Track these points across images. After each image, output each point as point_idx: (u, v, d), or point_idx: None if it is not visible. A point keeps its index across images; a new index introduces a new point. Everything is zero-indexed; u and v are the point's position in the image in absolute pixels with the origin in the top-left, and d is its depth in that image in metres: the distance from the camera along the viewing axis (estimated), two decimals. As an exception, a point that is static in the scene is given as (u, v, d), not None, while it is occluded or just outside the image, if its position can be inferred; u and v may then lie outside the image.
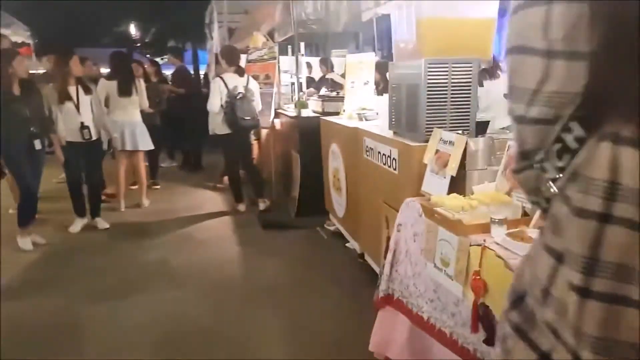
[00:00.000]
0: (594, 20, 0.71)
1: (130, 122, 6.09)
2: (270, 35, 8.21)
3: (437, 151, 2.63)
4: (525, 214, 2.13)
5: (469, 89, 2.80)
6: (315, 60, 9.28)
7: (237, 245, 4.98)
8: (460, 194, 2.37)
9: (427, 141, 2.81)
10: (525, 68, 0.80)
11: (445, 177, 2.49)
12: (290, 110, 6.40)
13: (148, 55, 18.35)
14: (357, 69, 5.05)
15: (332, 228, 5.09)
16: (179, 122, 8.43)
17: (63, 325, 3.41)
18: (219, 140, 5.94)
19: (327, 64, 8.42)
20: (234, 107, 5.57)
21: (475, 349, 2.04)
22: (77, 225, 5.44)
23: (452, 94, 2.81)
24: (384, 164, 3.31)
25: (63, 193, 5.63)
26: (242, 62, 6.68)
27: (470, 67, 2.79)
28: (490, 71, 3.53)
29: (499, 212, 2.10)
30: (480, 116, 2.91)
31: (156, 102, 7.27)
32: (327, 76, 7.50)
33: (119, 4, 15.79)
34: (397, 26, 3.25)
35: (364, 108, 4.70)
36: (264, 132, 7.40)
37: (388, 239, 3.24)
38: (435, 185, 2.57)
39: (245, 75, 5.82)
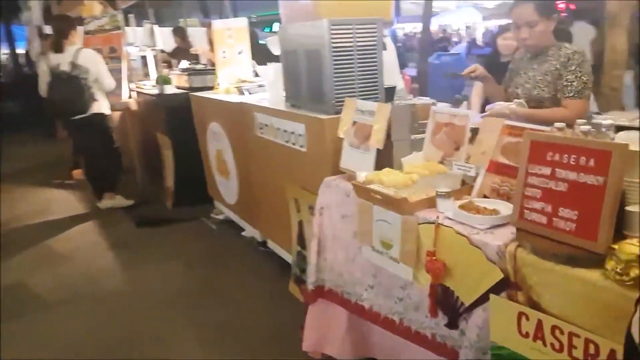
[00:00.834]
0: None
1: None
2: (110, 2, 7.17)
3: (354, 123, 2.43)
4: (463, 182, 2.05)
5: (375, 53, 2.64)
6: (164, 30, 8.42)
7: (109, 251, 4.31)
8: (388, 168, 2.22)
9: (338, 113, 2.60)
10: None
11: (369, 151, 2.31)
12: (149, 88, 5.69)
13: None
14: (225, 37, 4.60)
15: (220, 217, 4.69)
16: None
17: None
18: (66, 127, 5.05)
19: (181, 34, 7.68)
20: (54, 88, 4.71)
21: (434, 334, 1.93)
22: None
23: (358, 58, 2.61)
24: (287, 142, 3.03)
25: None
26: (80, 34, 5.70)
27: (375, 28, 2.62)
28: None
29: (439, 184, 1.98)
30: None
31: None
32: (192, 50, 6.79)
33: None
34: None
35: (243, 80, 4.31)
36: (117, 114, 6.51)
37: (300, 223, 3.01)
38: (357, 160, 2.38)
39: (71, 48, 4.83)
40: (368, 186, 2.07)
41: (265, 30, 13.07)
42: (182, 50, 7.29)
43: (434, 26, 16.59)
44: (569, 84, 2.38)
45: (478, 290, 1.66)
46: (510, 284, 1.56)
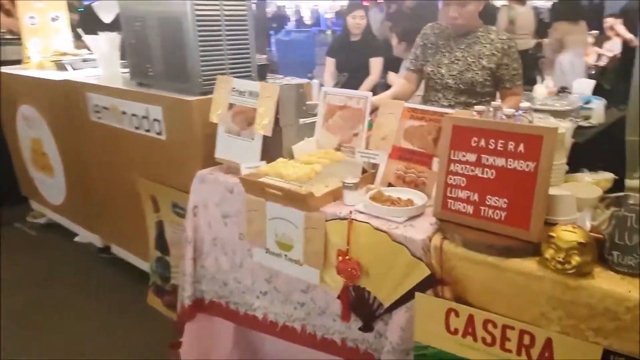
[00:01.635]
0: None
1: None
2: None
3: (231, 105, 2.13)
4: (363, 170, 1.93)
5: (245, 23, 2.36)
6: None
7: None
8: (277, 157, 2.00)
9: (206, 93, 2.27)
10: None
11: (253, 139, 2.05)
12: None
13: None
14: (32, -2, 3.78)
15: (41, 221, 3.91)
16: None
17: None
18: None
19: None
20: None
21: (344, 339, 1.81)
22: None
23: (227, 29, 2.30)
24: (138, 129, 2.57)
25: None
26: None
27: (244, -5, 2.33)
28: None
29: (340, 174, 1.84)
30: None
31: None
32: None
33: None
34: None
35: (62, 53, 3.60)
36: None
37: (160, 224, 2.62)
38: (237, 149, 2.10)
39: None
40: (261, 180, 1.82)
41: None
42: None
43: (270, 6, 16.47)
44: (516, 72, 2.41)
45: (400, 289, 1.57)
46: (436, 280, 1.49)
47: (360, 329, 1.73)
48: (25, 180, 3.88)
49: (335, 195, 1.78)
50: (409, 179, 1.79)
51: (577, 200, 1.47)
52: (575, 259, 1.23)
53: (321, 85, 2.76)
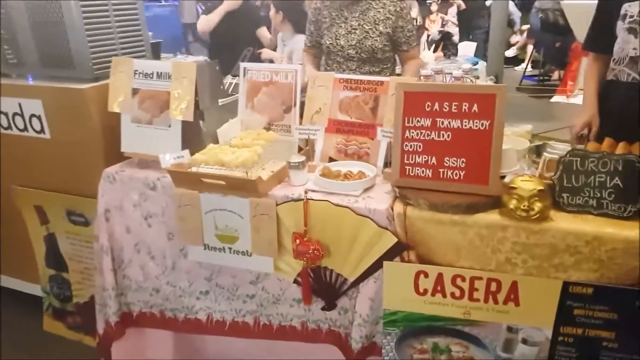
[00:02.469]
0: None
1: None
2: None
3: (135, 90, 1.93)
4: (299, 148, 1.91)
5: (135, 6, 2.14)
6: None
7: None
8: (198, 144, 1.88)
9: (97, 79, 2.03)
10: None
11: (170, 126, 1.89)
12: None
13: None
14: None
15: None
16: None
17: None
18: None
19: None
20: None
21: (304, 321, 1.80)
22: None
23: (114, 4, 2.06)
24: (7, 129, 2.20)
25: None
26: None
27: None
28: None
29: (279, 154, 1.80)
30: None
31: None
32: None
33: None
34: None
35: None
36: None
37: (51, 237, 2.33)
38: (150, 140, 1.92)
39: None
40: (199, 170, 1.70)
41: None
42: None
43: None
44: (411, 33, 2.45)
45: (365, 261, 1.60)
46: (402, 246, 1.55)
47: (323, 308, 1.74)
48: None
49: (280, 177, 1.74)
50: (351, 151, 1.82)
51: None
52: (537, 205, 1.38)
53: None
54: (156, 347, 2.02)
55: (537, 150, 1.82)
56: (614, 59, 1.85)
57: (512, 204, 1.40)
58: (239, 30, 3.84)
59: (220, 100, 1.98)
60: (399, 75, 2.57)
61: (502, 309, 1.52)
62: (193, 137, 1.90)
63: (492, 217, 1.45)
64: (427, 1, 8.65)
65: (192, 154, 1.82)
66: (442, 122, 1.49)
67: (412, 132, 1.53)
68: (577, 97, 5.59)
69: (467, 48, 3.52)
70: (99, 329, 2.01)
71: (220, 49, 3.93)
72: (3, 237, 2.49)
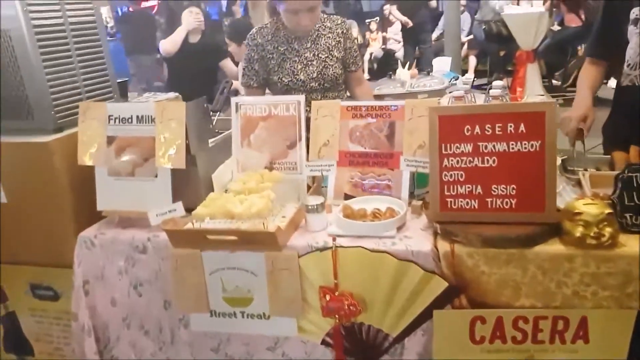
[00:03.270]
0: None
1: None
2: None
3: (111, 139, 1.67)
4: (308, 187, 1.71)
5: (96, 31, 1.89)
6: None
7: None
8: (191, 193, 1.64)
9: (62, 129, 1.75)
10: None
11: (156, 176, 1.63)
12: None
13: None
14: None
15: None
16: None
17: None
18: None
19: None
20: None
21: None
22: None
23: (76, 42, 1.80)
24: (-49, 195, 1.86)
25: None
26: None
27: (87, -3, 1.86)
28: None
29: (287, 196, 1.59)
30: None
31: None
32: None
33: None
34: None
35: None
36: None
37: (9, 317, 1.99)
38: (133, 194, 1.66)
39: None
40: (204, 227, 1.45)
41: None
42: None
43: None
44: (357, 53, 2.31)
45: (411, 312, 1.41)
46: (453, 290, 1.37)
47: (358, 368, 1.52)
48: None
49: (296, 224, 1.52)
50: (369, 185, 1.63)
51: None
52: (607, 230, 1.24)
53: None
54: None
55: (563, 165, 1.71)
56: (629, 64, 1.78)
57: (579, 231, 1.25)
58: (200, 62, 3.62)
59: (210, 141, 1.75)
60: (349, 97, 2.41)
61: (570, 349, 1.37)
62: (184, 186, 1.66)
63: (556, 247, 1.30)
64: (366, 20, 8.77)
65: (185, 205, 1.58)
66: (486, 147, 1.34)
67: (452, 160, 1.36)
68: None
69: (442, 63, 3.48)
70: None
71: (180, 81, 3.67)
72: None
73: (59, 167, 1.70)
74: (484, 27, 7.08)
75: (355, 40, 2.37)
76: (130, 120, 1.65)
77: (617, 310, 1.31)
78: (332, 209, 1.58)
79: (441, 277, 1.36)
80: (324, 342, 1.53)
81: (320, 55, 2.21)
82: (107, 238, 1.62)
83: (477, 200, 1.36)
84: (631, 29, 1.75)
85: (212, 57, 3.81)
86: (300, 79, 2.19)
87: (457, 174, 1.37)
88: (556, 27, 6.71)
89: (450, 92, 2.65)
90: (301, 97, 1.67)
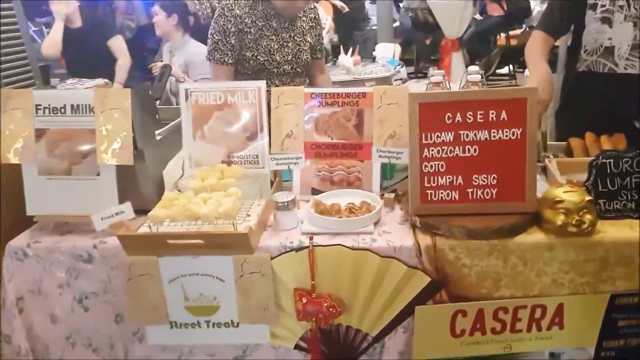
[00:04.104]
0: None
1: None
2: None
3: (40, 132, 1.45)
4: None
5: (14, 15, 1.63)
6: None
7: None
8: (135, 193, 1.48)
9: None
10: None
11: (98, 174, 1.44)
12: None
13: None
14: None
15: None
16: None
17: None
18: None
19: None
20: None
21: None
22: None
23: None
24: None
25: None
26: None
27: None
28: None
29: (248, 192, 1.47)
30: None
31: None
32: None
33: None
34: None
35: None
36: None
37: None
38: (70, 195, 1.46)
39: None
40: (164, 231, 1.30)
41: None
42: None
43: None
44: (322, 39, 2.26)
45: (392, 310, 1.35)
46: (435, 285, 1.33)
47: (333, 370, 1.45)
48: None
49: (264, 223, 1.41)
50: (338, 178, 1.55)
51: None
52: (588, 218, 1.25)
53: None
54: None
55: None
56: (586, 50, 1.82)
57: (560, 219, 1.25)
58: (92, 47, 3.26)
59: (157, 133, 1.57)
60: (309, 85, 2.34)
61: (545, 335, 1.38)
62: (130, 185, 1.48)
63: (536, 237, 1.30)
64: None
65: (133, 206, 1.41)
66: (467, 135, 1.30)
67: (432, 150, 1.31)
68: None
69: (385, 50, 3.43)
70: None
71: (76, 67, 3.30)
72: None
73: (-24, 166, 1.46)
74: (410, 14, 7.16)
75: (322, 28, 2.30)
76: (63, 110, 1.44)
77: (592, 295, 1.33)
78: (299, 205, 1.48)
79: (423, 272, 1.31)
80: (297, 347, 1.44)
81: (295, 37, 2.12)
82: (43, 247, 1.41)
83: (457, 191, 1.33)
84: (589, 14, 1.78)
85: (99, 38, 3.50)
86: (276, 60, 2.09)
87: (438, 164, 1.32)
88: (479, 17, 6.94)
89: (396, 80, 2.63)
90: (262, 83, 1.54)
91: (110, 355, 1.48)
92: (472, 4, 5.71)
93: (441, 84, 1.51)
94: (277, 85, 2.16)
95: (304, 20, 2.18)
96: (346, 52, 3.18)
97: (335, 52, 4.79)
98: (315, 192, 1.54)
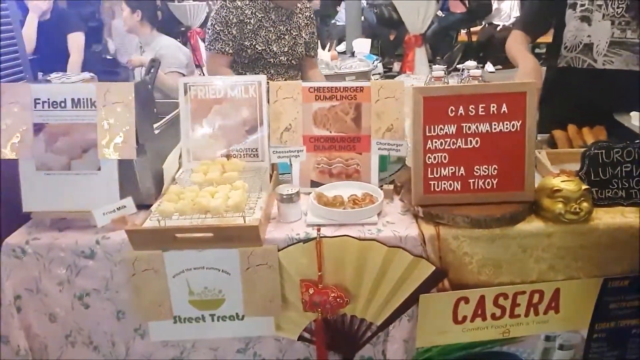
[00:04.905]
0: None
1: None
2: None
3: (39, 126, 1.42)
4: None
5: (5, 6, 1.58)
6: None
7: None
8: (134, 188, 1.46)
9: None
10: None
11: (99, 169, 1.42)
12: None
13: None
14: None
15: None
16: None
17: None
18: None
19: None
20: None
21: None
22: None
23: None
24: None
25: None
26: None
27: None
28: None
29: (251, 184, 1.47)
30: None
31: None
32: None
33: None
34: None
35: None
36: None
37: None
38: (69, 191, 1.42)
39: None
40: (173, 225, 1.29)
41: None
42: None
43: None
44: (317, 38, 2.33)
45: (396, 299, 1.38)
46: (439, 274, 1.36)
47: (343, 361, 1.47)
48: None
49: (268, 215, 1.41)
50: (337, 170, 1.57)
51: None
52: (584, 206, 1.30)
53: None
54: None
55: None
56: (566, 47, 1.89)
57: (558, 208, 1.30)
58: (55, 40, 3.24)
59: (155, 127, 1.55)
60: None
61: (542, 319, 1.44)
62: (130, 179, 1.46)
63: (535, 225, 1.35)
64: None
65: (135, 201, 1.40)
66: (469, 128, 1.33)
67: (435, 142, 1.34)
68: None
69: (362, 45, 3.45)
70: None
71: (46, 59, 3.25)
72: None
73: (-31, 162, 1.41)
74: (375, 10, 7.23)
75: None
76: (63, 104, 1.41)
77: (586, 279, 1.39)
78: (301, 197, 1.49)
79: (427, 261, 1.34)
80: (301, 338, 1.45)
81: (292, 31, 2.20)
82: (42, 244, 1.38)
83: (459, 182, 1.36)
84: (569, 12, 1.85)
85: (62, 31, 3.47)
86: (273, 50, 2.15)
87: (441, 155, 1.35)
88: (441, 13, 7.06)
89: (374, 75, 2.67)
90: (262, 77, 1.54)
91: (111, 353, 1.46)
92: (436, 1, 5.81)
93: (442, 79, 1.54)
94: (272, 75, 2.21)
95: (300, 17, 2.27)
96: (323, 48, 3.22)
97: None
98: (314, 184, 1.56)
